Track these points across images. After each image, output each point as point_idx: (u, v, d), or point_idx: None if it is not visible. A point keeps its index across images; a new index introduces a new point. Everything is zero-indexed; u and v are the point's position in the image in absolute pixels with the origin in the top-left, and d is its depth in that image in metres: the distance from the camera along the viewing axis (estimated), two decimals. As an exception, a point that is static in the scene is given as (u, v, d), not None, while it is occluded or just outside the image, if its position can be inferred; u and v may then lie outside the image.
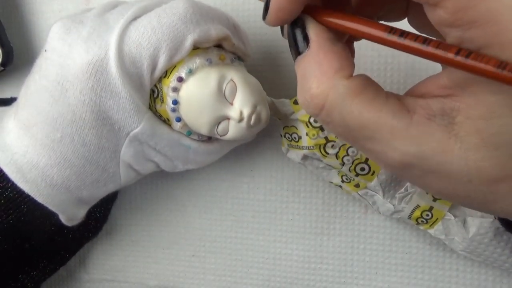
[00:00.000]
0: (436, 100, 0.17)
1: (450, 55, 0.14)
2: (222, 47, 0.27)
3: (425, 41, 0.15)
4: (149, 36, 0.25)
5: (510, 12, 0.13)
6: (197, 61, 0.26)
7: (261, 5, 0.34)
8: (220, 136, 0.27)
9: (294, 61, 0.19)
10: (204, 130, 0.27)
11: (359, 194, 0.30)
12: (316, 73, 0.18)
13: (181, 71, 0.26)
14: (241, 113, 0.26)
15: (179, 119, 0.27)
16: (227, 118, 0.26)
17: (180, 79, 0.26)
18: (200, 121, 0.26)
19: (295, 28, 0.19)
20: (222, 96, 0.26)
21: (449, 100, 0.17)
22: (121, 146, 0.27)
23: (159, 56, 0.25)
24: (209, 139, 0.29)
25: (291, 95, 0.29)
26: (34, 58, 0.28)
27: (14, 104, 0.29)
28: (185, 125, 0.27)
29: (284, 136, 0.30)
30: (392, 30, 0.16)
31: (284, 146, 0.31)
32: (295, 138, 0.29)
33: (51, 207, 0.28)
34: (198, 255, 0.37)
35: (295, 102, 0.29)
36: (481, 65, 0.13)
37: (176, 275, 0.37)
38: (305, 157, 0.30)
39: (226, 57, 0.27)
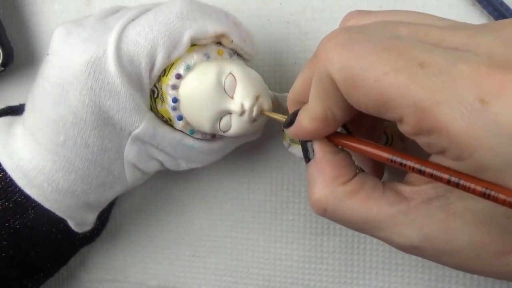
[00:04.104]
0: (429, 185, 0.18)
1: (444, 180, 0.17)
2: (221, 44, 0.27)
3: (420, 171, 0.18)
4: (146, 34, 0.25)
5: (453, 119, 0.15)
6: (194, 57, 0.26)
7: (262, 5, 0.34)
8: (223, 132, 0.27)
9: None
10: (206, 127, 0.26)
11: None
12: (318, 180, 0.21)
13: (179, 68, 0.26)
14: (242, 105, 0.25)
15: (180, 118, 0.26)
16: (229, 113, 0.26)
17: (179, 76, 0.25)
18: (201, 117, 0.26)
19: (306, 141, 0.22)
20: (222, 90, 0.25)
21: (441, 184, 0.18)
22: (124, 146, 0.27)
23: (156, 54, 0.25)
24: (212, 137, 0.29)
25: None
26: (34, 59, 0.28)
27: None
28: (187, 123, 0.27)
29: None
30: (393, 160, 0.19)
31: (286, 140, 0.31)
32: None
33: (58, 212, 0.28)
34: (198, 255, 0.37)
35: None
36: (471, 187, 0.16)
37: (176, 275, 0.37)
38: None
39: (224, 52, 0.27)
